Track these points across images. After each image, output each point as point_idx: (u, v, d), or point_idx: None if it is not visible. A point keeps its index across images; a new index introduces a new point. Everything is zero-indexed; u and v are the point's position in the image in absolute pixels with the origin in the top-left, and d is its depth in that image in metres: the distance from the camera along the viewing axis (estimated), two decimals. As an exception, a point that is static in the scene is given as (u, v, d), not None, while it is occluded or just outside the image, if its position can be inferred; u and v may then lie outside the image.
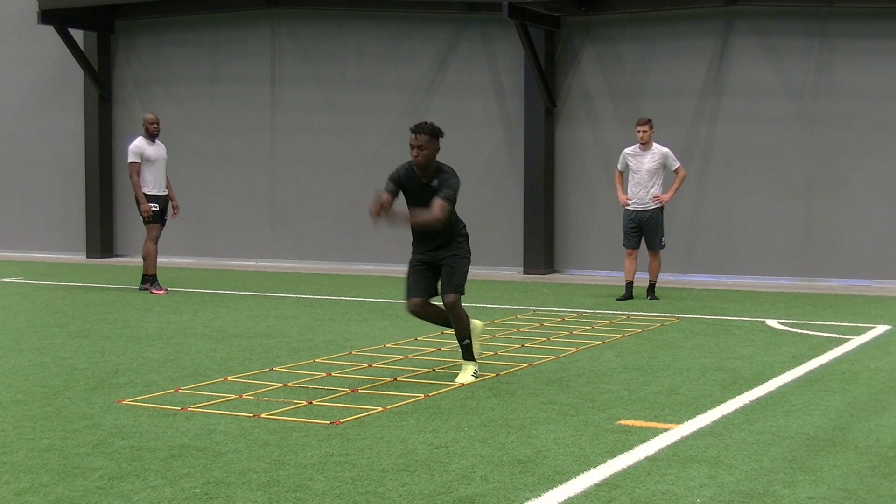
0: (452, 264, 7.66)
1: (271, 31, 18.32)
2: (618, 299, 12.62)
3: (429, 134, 7.57)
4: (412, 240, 7.86)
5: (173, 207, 13.80)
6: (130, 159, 13.40)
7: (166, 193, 13.64)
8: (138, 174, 13.35)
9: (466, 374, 7.54)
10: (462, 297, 7.68)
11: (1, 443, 5.70)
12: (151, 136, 13.49)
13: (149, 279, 13.55)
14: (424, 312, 7.83)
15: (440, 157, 7.81)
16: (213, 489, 4.87)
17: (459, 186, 7.59)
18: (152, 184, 13.44)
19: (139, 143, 13.46)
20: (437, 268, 7.72)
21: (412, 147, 7.54)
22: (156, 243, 13.58)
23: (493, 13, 15.86)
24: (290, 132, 18.31)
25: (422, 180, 7.60)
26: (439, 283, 7.72)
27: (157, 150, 13.54)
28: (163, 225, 13.70)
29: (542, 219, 16.22)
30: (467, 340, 7.63)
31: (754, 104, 15.24)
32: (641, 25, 15.90)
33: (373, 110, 17.59)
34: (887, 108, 14.60)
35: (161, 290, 13.42)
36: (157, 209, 13.48)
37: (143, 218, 13.50)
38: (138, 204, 13.43)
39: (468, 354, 7.66)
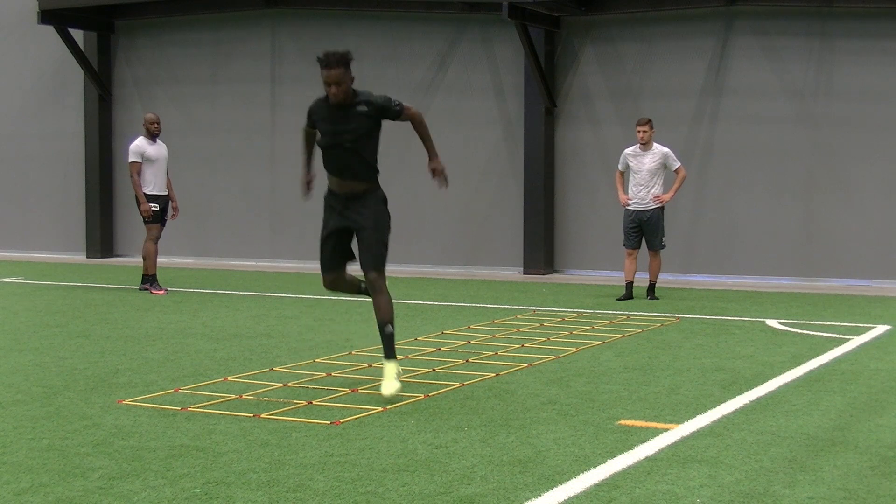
0: (370, 236, 7.02)
1: (271, 31, 18.32)
2: (618, 299, 12.63)
3: (344, 65, 6.74)
4: (328, 185, 7.26)
5: (173, 208, 13.80)
6: (130, 159, 13.41)
7: (167, 193, 13.64)
8: (139, 174, 13.35)
9: (390, 382, 6.76)
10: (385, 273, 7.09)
11: (1, 443, 5.70)
12: (152, 136, 13.50)
13: (149, 279, 13.55)
14: (340, 287, 7.44)
15: None
16: (213, 489, 4.87)
17: None
18: (152, 184, 13.44)
19: (139, 143, 13.46)
20: (351, 232, 7.17)
21: (328, 85, 6.75)
22: (156, 243, 13.57)
23: (493, 13, 15.87)
24: (290, 132, 18.28)
25: (346, 111, 6.95)
26: (359, 253, 7.15)
27: (157, 149, 13.54)
28: (163, 225, 13.70)
29: (542, 219, 16.23)
30: (390, 327, 6.91)
31: (754, 104, 15.24)
32: (641, 25, 15.91)
33: (373, 110, 17.57)
34: (887, 108, 14.60)
35: (161, 290, 13.42)
36: (157, 209, 13.48)
37: (143, 218, 13.50)
38: (138, 203, 13.43)
39: (390, 349, 6.91)
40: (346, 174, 7.10)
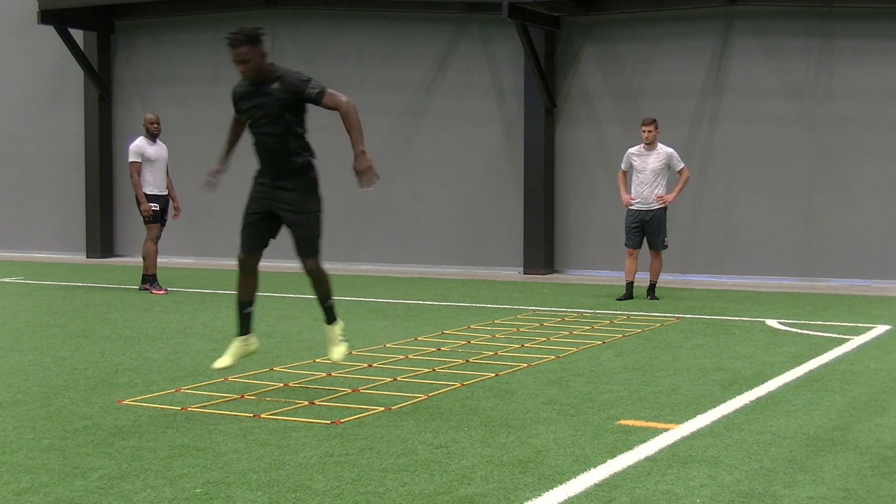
0: (303, 223, 6.92)
1: (271, 31, 18.30)
2: (618, 299, 12.62)
3: (248, 42, 6.65)
4: (258, 166, 6.96)
5: (174, 208, 13.80)
6: (130, 159, 13.41)
7: (167, 193, 13.65)
8: (139, 174, 13.35)
9: (336, 345, 7.05)
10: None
11: (1, 443, 5.70)
12: (152, 136, 13.50)
13: (149, 279, 13.55)
14: (248, 270, 7.35)
15: None
16: (213, 489, 4.87)
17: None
18: (153, 184, 13.44)
19: (139, 143, 13.47)
20: (277, 217, 7.00)
21: (237, 64, 6.65)
22: (156, 243, 13.57)
23: (493, 13, 15.86)
24: (290, 132, 18.30)
25: (260, 88, 6.80)
26: (294, 240, 7.06)
27: (157, 149, 13.54)
28: (163, 225, 13.70)
29: (542, 219, 16.23)
30: (330, 301, 7.15)
31: (754, 104, 15.24)
32: (641, 25, 15.91)
33: (373, 110, 17.58)
34: (887, 108, 14.60)
35: (161, 290, 13.42)
36: (158, 209, 13.48)
37: (143, 218, 13.49)
38: (138, 203, 13.43)
39: (331, 316, 7.18)
40: (269, 156, 6.90)
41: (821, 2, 14.82)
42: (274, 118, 6.76)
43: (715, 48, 15.43)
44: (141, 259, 14.11)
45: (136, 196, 13.41)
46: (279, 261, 18.13)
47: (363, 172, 6.69)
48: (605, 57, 16.10)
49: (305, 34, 18.04)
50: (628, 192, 12.77)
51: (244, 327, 7.19)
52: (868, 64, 14.70)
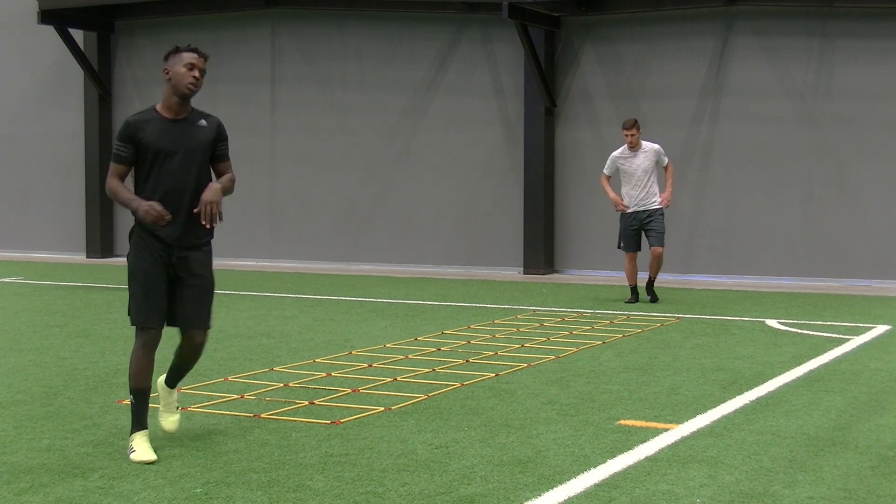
0: (204, 285, 5.66)
1: (271, 31, 18.32)
2: (626, 302, 12.34)
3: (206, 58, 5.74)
4: (146, 216, 5.43)
5: None
6: None
7: None
8: None
9: (169, 418, 5.79)
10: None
11: (1, 443, 5.70)
12: None
13: None
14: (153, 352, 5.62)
15: None
16: (213, 489, 4.87)
17: None
18: None
19: None
20: (175, 277, 5.59)
21: (194, 67, 5.63)
22: None
23: (493, 13, 15.86)
24: (290, 132, 18.31)
25: (177, 116, 5.73)
26: (182, 307, 5.60)
27: None
28: None
29: (542, 219, 16.23)
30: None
31: (754, 104, 15.24)
32: (641, 25, 15.90)
33: (373, 110, 17.60)
34: (887, 108, 14.60)
35: None
36: None
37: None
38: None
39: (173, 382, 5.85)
40: (181, 211, 5.67)
41: (821, 2, 14.82)
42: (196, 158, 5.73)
43: (715, 48, 15.43)
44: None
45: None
46: (279, 261, 18.20)
47: (207, 204, 5.57)
48: (605, 57, 16.10)
49: (305, 34, 18.04)
50: (616, 194, 12.39)
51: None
52: (868, 64, 14.70)
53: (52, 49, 19.36)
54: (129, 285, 5.60)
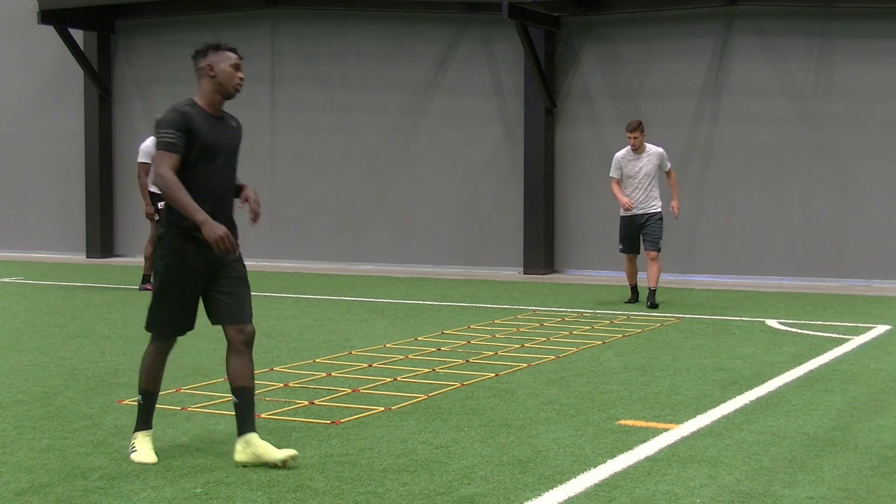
0: (240, 287, 5.46)
1: (271, 31, 18.32)
2: (626, 302, 12.23)
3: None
4: (217, 243, 5.19)
5: None
6: (141, 159, 13.26)
7: None
8: (147, 174, 13.26)
9: (251, 449, 5.29)
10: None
11: (1, 443, 5.70)
12: None
13: (148, 279, 13.54)
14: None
15: None
16: (213, 489, 4.87)
17: None
18: None
19: (151, 144, 13.37)
20: (210, 277, 5.41)
21: (239, 68, 5.71)
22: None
23: (493, 13, 15.86)
24: (290, 132, 18.31)
25: (216, 113, 5.69)
26: (219, 310, 5.41)
27: None
28: None
29: (542, 219, 16.22)
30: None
31: (754, 104, 15.24)
32: (641, 25, 15.90)
33: (373, 110, 17.59)
34: (887, 108, 14.60)
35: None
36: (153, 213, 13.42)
37: (148, 217, 13.43)
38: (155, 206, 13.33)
39: (250, 417, 5.36)
40: (223, 216, 5.61)
41: (821, 2, 14.82)
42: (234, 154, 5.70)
43: (715, 48, 15.43)
44: (142, 259, 14.08)
45: (143, 197, 13.29)
46: (279, 261, 18.20)
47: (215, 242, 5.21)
48: (605, 57, 16.10)
49: (305, 34, 18.04)
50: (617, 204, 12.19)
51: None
52: (868, 64, 14.70)
53: (52, 49, 19.35)
54: (155, 290, 5.44)
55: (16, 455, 5.45)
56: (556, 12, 16.01)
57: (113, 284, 14.57)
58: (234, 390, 5.33)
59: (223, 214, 5.43)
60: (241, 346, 5.33)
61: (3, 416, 6.34)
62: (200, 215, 5.18)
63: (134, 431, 5.48)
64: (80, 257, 19.37)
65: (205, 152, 5.39)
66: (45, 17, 18.12)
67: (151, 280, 5.49)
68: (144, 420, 5.47)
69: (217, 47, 5.62)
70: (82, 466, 5.23)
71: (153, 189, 13.41)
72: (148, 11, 18.98)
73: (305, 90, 18.11)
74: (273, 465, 5.16)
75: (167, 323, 5.41)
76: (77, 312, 11.54)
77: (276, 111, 18.33)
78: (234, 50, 5.65)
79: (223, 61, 5.58)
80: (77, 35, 18.94)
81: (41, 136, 20.09)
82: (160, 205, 13.37)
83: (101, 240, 19.25)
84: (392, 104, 17.40)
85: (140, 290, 13.60)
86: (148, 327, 5.48)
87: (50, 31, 18.63)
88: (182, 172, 5.30)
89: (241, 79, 5.64)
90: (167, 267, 5.37)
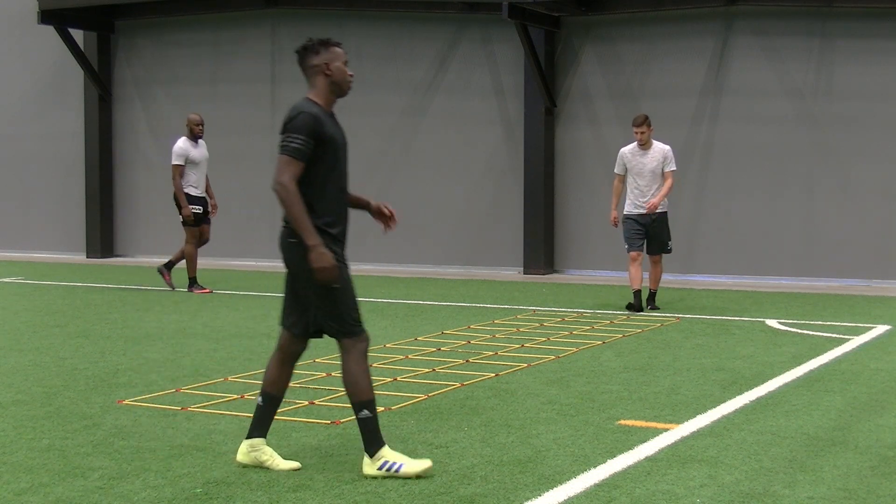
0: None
1: (271, 31, 18.32)
2: (628, 308, 11.68)
3: None
4: (330, 273, 5.20)
5: (212, 206, 13.66)
6: (175, 161, 13.19)
7: (206, 195, 13.55)
8: (181, 176, 13.23)
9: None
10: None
11: (1, 443, 5.70)
12: (195, 138, 13.38)
13: (195, 281, 13.53)
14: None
15: None
16: (213, 489, 4.87)
17: None
18: (195, 185, 13.28)
19: (184, 146, 13.27)
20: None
21: (347, 64, 5.47)
22: (196, 246, 13.49)
23: (493, 13, 15.86)
24: (290, 132, 18.29)
25: (332, 114, 5.58)
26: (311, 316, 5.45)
27: (200, 151, 13.40)
28: (208, 224, 13.61)
29: (542, 219, 16.22)
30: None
31: (754, 104, 15.24)
32: (641, 25, 15.90)
33: (373, 110, 17.59)
34: (887, 108, 14.60)
35: (203, 289, 13.41)
36: (200, 211, 13.37)
37: (183, 221, 13.39)
38: (179, 207, 13.28)
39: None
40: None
41: (821, 2, 14.82)
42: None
43: (715, 48, 15.43)
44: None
45: (178, 200, 13.22)
46: (279, 260, 18.18)
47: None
48: (605, 57, 16.10)
49: (305, 34, 17.87)
50: (624, 196, 11.83)
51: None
52: (868, 64, 14.70)
53: (52, 49, 19.35)
54: (341, 296, 5.26)
55: (16, 455, 5.45)
56: (556, 12, 16.01)
57: (113, 284, 14.57)
58: (272, 397, 5.32)
59: (346, 212, 5.41)
60: (292, 355, 5.48)
61: (3, 416, 6.34)
62: (313, 239, 5.12)
63: (375, 452, 5.08)
64: (80, 257, 19.37)
65: (335, 154, 5.32)
66: (45, 17, 18.11)
67: (338, 285, 5.23)
68: (378, 434, 5.12)
69: (326, 43, 5.36)
70: (82, 466, 5.23)
71: (192, 192, 13.31)
72: (148, 11, 18.98)
73: (305, 90, 18.06)
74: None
75: (357, 315, 5.34)
76: (77, 312, 11.54)
77: (276, 111, 18.32)
78: (339, 45, 5.43)
79: (336, 59, 5.36)
80: (77, 35, 18.94)
81: (41, 136, 20.09)
82: (196, 208, 13.28)
83: (101, 240, 19.24)
84: (392, 104, 17.40)
85: (188, 291, 13.48)
86: (351, 328, 5.31)
87: (50, 31, 18.63)
88: (317, 177, 5.24)
89: (351, 76, 5.45)
90: (341, 268, 5.29)
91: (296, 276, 5.36)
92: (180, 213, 13.35)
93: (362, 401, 5.13)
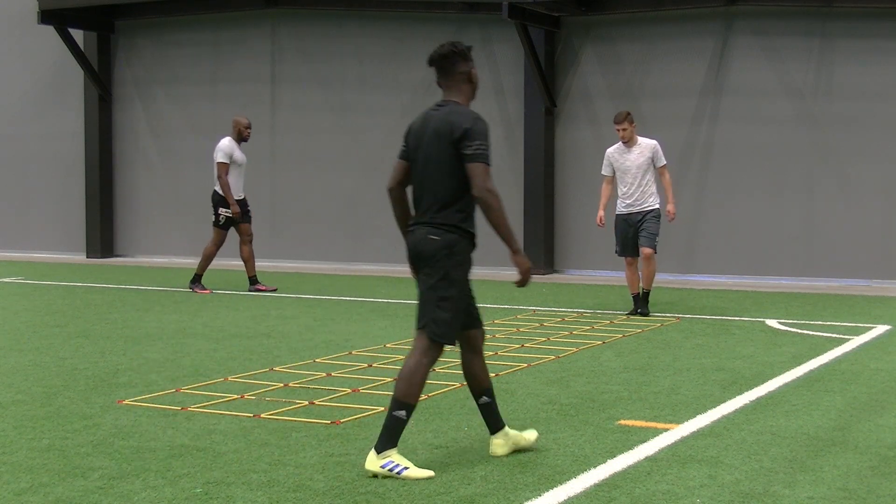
0: (472, 293, 5.68)
1: (271, 31, 18.32)
2: (629, 314, 11.37)
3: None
4: (475, 229, 5.73)
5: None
6: (221, 159, 13.17)
7: (244, 196, 13.58)
8: (227, 174, 13.17)
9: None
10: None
11: (1, 443, 5.70)
12: (241, 140, 13.37)
13: (200, 279, 13.57)
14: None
15: None
16: (213, 489, 4.87)
17: None
18: (235, 187, 13.31)
19: (230, 145, 13.24)
20: None
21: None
22: (217, 249, 13.50)
23: (493, 13, 15.86)
24: (290, 132, 18.30)
25: None
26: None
27: (242, 153, 13.43)
28: (249, 222, 13.59)
29: (542, 219, 16.22)
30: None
31: (754, 104, 15.24)
32: (641, 25, 15.90)
33: (373, 110, 17.59)
34: (887, 108, 14.60)
35: (205, 289, 13.43)
36: (239, 212, 13.38)
37: (216, 220, 13.36)
38: (215, 207, 13.29)
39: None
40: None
41: (821, 2, 14.82)
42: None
43: (715, 48, 15.43)
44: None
45: (226, 198, 13.20)
46: (279, 261, 18.18)
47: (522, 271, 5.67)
48: (605, 57, 16.10)
49: (305, 34, 18.04)
50: (615, 196, 11.49)
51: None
52: (868, 64, 14.70)
53: (52, 49, 19.36)
54: (454, 297, 5.29)
55: (16, 455, 5.45)
56: (556, 12, 16.01)
57: (113, 284, 14.57)
58: (486, 391, 5.49)
59: None
60: (482, 348, 5.59)
61: (3, 416, 6.34)
62: (517, 244, 5.42)
63: (384, 450, 5.06)
64: (80, 257, 19.37)
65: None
66: (45, 17, 18.12)
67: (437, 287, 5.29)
68: (398, 436, 5.13)
69: (471, 49, 5.50)
70: (82, 466, 5.23)
71: (233, 193, 13.30)
72: (148, 11, 18.99)
73: (305, 90, 18.10)
74: (528, 449, 5.45)
75: (452, 327, 5.34)
76: (77, 312, 11.54)
77: (276, 111, 18.33)
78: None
79: (475, 68, 5.52)
80: (77, 35, 18.95)
81: (41, 136, 20.09)
82: (221, 210, 13.26)
83: (101, 240, 19.24)
84: (392, 104, 17.39)
85: (191, 289, 13.50)
86: (442, 336, 5.30)
87: (50, 31, 18.63)
88: (467, 184, 5.42)
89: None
90: (467, 273, 5.40)
91: (430, 274, 5.40)
92: (215, 214, 13.34)
93: (407, 403, 5.19)
